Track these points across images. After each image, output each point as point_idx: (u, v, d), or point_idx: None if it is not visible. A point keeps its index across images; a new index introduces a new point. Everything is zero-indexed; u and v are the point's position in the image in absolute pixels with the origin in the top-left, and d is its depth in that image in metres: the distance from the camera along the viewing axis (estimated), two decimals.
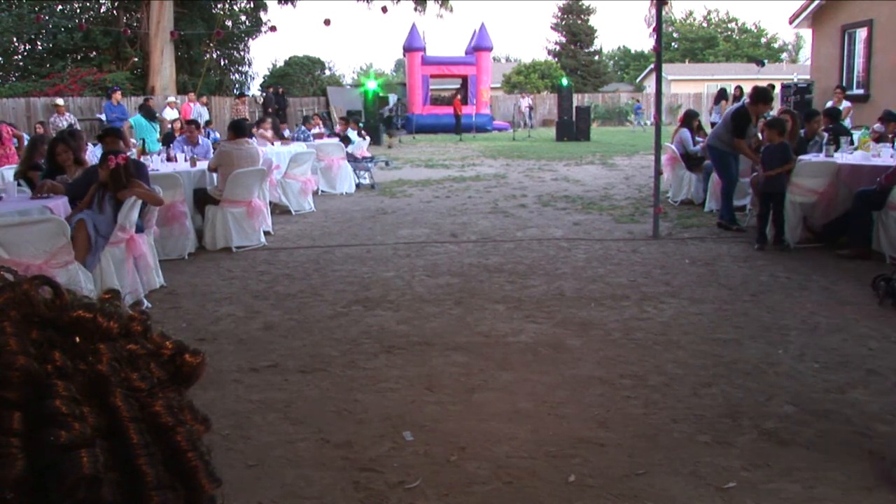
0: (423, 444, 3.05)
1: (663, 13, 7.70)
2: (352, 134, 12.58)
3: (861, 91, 14.38)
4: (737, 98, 17.25)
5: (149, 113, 13.24)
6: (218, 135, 13.65)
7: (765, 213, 6.65)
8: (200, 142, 9.20)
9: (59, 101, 15.40)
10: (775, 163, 6.53)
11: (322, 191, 10.84)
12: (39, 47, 24.42)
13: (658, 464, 2.86)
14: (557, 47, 45.17)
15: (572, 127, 21.86)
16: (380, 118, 22.49)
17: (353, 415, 3.35)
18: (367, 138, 14.63)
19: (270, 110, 19.74)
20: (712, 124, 12.30)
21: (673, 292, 5.27)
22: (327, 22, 15.92)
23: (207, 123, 15.95)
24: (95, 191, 5.25)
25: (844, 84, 14.09)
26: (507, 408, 3.38)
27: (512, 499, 2.65)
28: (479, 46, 26.55)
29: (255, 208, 7.13)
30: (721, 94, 15.68)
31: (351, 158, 11.60)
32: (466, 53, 27.56)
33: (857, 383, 3.60)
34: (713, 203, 8.43)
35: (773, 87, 12.76)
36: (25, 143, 9.52)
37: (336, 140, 11.84)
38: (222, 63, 29.84)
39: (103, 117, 15.55)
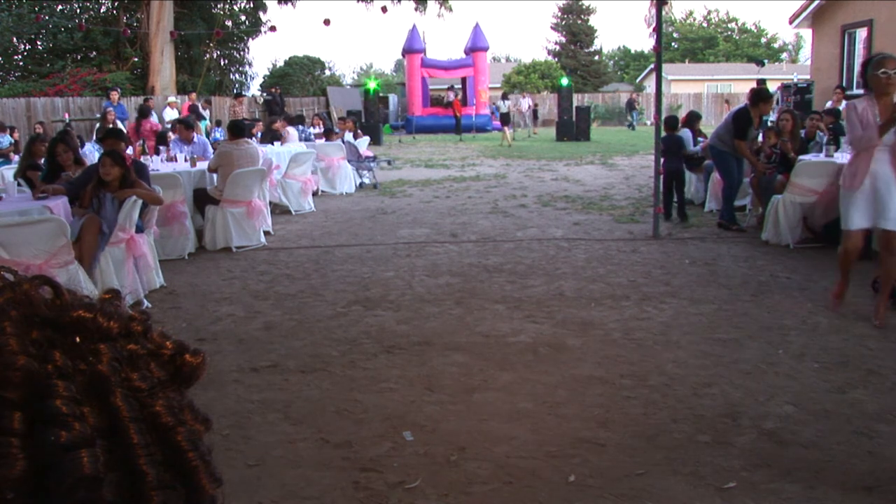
0: (423, 444, 3.05)
1: (663, 13, 7.70)
2: (348, 136, 12.50)
3: (861, 91, 14.37)
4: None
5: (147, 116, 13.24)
6: (218, 135, 13.63)
7: (669, 191, 7.98)
8: (196, 139, 9.18)
9: None
10: (673, 150, 7.92)
11: (322, 191, 10.85)
12: (39, 47, 24.40)
13: (658, 464, 2.86)
14: (557, 47, 45.15)
15: (572, 127, 21.88)
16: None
17: (353, 415, 3.35)
18: (367, 138, 14.61)
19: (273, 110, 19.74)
20: None
21: (673, 292, 5.26)
22: (327, 22, 15.93)
23: (218, 123, 15.90)
24: (94, 190, 5.25)
25: (844, 84, 14.08)
26: (507, 408, 3.38)
27: (512, 499, 2.65)
28: (476, 47, 26.54)
29: (255, 208, 7.14)
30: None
31: (353, 158, 11.58)
32: (466, 54, 27.57)
33: (857, 383, 3.60)
34: (713, 203, 8.44)
35: (762, 81, 12.74)
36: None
37: (338, 141, 11.82)
38: (222, 63, 29.84)
39: None
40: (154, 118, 14.05)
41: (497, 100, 27.36)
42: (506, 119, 21.75)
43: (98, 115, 16.99)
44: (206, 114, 17.33)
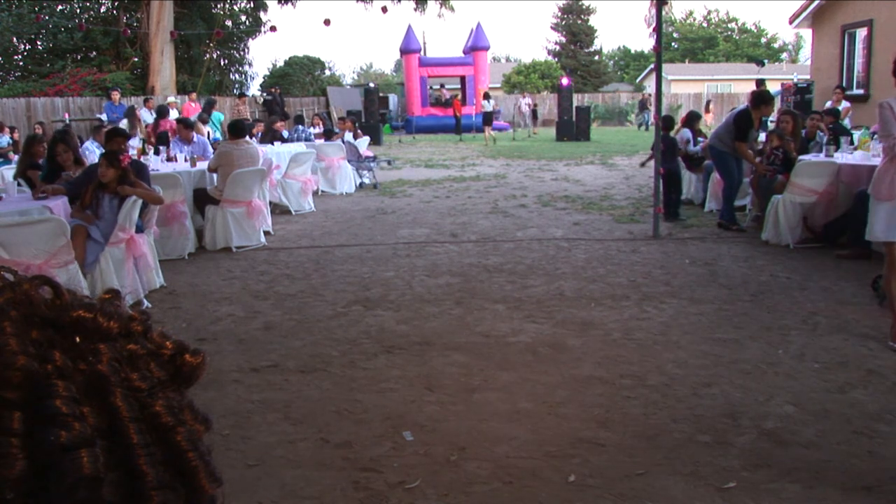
0: (423, 444, 3.05)
1: (663, 13, 7.70)
2: (348, 136, 12.47)
3: (861, 91, 14.37)
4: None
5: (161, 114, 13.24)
6: (218, 135, 13.61)
7: (668, 192, 8.04)
8: (196, 139, 9.17)
9: None
10: (666, 150, 7.95)
11: (322, 191, 10.85)
12: (39, 47, 24.39)
13: (658, 464, 2.86)
14: (557, 47, 45.16)
15: (572, 127, 21.89)
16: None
17: (353, 415, 3.35)
18: (367, 138, 14.60)
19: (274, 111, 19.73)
20: None
21: (673, 292, 5.26)
22: (327, 22, 15.93)
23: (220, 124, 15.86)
24: (93, 191, 5.25)
25: (844, 84, 14.07)
26: (507, 408, 3.38)
27: (512, 499, 2.65)
28: (476, 46, 26.52)
29: (255, 208, 7.14)
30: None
31: (353, 158, 11.57)
32: (465, 53, 27.55)
33: (857, 383, 3.60)
34: (713, 203, 8.44)
35: (762, 82, 12.71)
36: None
37: (338, 141, 11.82)
38: (222, 63, 29.81)
39: (103, 117, 15.55)
40: (170, 117, 14.07)
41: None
42: (488, 119, 21.78)
43: (98, 115, 17.01)
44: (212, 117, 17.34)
